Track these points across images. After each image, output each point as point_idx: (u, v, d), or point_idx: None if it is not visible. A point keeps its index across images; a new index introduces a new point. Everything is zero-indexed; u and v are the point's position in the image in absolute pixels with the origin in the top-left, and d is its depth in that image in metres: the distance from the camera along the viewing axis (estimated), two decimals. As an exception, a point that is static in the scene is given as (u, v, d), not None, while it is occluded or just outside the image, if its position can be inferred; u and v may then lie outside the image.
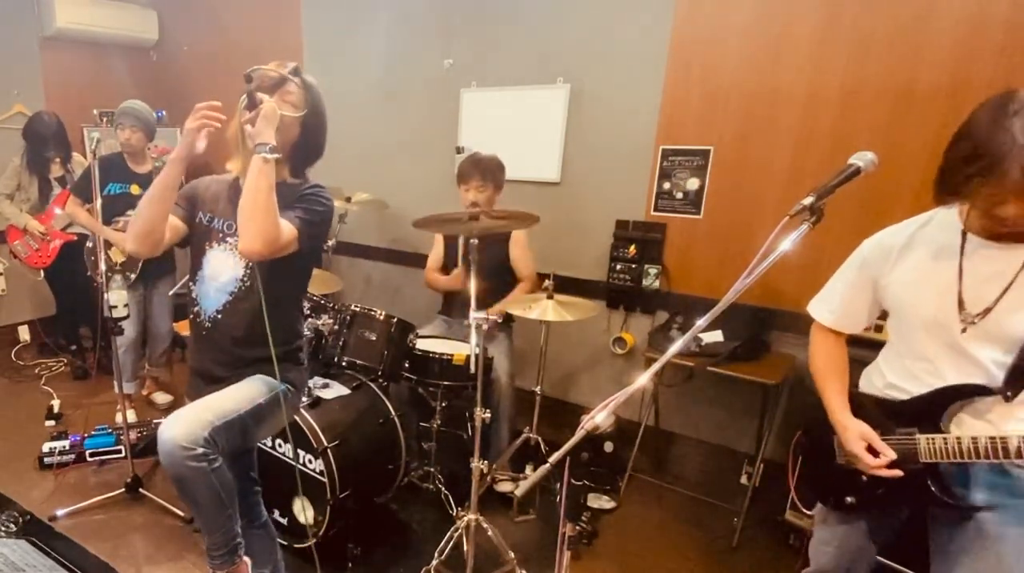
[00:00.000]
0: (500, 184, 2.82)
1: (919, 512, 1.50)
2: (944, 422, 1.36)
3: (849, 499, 1.52)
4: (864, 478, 1.47)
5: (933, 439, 1.36)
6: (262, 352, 1.64)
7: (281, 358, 1.71)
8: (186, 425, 1.50)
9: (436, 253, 3.13)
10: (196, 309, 1.73)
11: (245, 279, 1.66)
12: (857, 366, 1.61)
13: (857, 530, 1.56)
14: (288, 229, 1.55)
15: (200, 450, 1.48)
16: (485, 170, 2.75)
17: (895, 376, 1.47)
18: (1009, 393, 1.29)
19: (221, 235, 1.69)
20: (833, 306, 1.58)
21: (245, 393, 1.64)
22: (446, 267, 3.10)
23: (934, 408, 1.38)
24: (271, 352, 1.63)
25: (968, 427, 1.35)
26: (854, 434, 1.45)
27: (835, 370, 1.57)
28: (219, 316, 1.68)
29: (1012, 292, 1.26)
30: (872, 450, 1.42)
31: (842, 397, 1.52)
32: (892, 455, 1.39)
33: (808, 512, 1.70)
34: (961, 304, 1.32)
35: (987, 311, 1.29)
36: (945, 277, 1.34)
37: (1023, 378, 1.27)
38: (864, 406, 1.51)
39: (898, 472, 1.39)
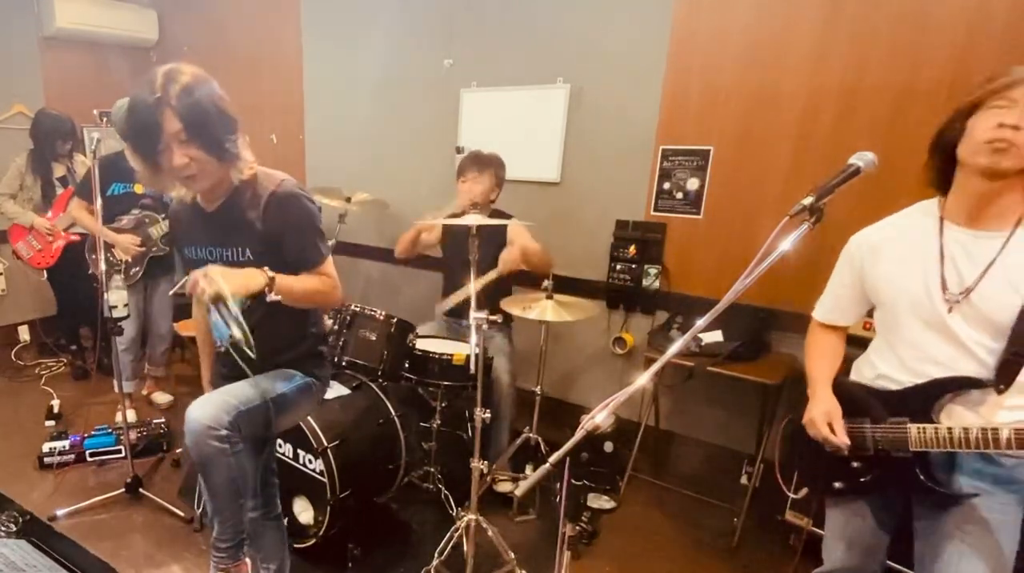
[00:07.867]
0: (498, 179, 2.82)
1: (907, 500, 1.53)
2: (935, 412, 1.40)
3: (837, 484, 1.56)
4: (853, 465, 1.51)
5: (924, 428, 1.39)
6: (284, 357, 1.71)
7: (304, 358, 1.75)
8: (212, 407, 1.55)
9: (434, 235, 3.09)
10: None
11: (247, 298, 1.61)
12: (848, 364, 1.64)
13: (860, 516, 1.57)
14: (328, 273, 1.61)
15: (224, 432, 1.52)
16: (482, 162, 2.77)
17: (886, 366, 1.50)
18: (1001, 386, 1.32)
19: (213, 262, 1.63)
20: (826, 303, 1.65)
21: (270, 382, 1.67)
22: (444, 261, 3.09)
23: (926, 399, 1.41)
24: (292, 355, 1.71)
25: (958, 417, 1.38)
26: (820, 410, 1.51)
27: (824, 353, 1.62)
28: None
29: (991, 277, 1.32)
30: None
31: (825, 374, 1.58)
32: (846, 441, 1.46)
33: (793, 494, 1.75)
34: (944, 284, 1.37)
35: (968, 291, 1.34)
36: (927, 260, 1.39)
37: (1013, 370, 1.31)
38: (854, 394, 1.53)
39: (845, 440, 1.46)
